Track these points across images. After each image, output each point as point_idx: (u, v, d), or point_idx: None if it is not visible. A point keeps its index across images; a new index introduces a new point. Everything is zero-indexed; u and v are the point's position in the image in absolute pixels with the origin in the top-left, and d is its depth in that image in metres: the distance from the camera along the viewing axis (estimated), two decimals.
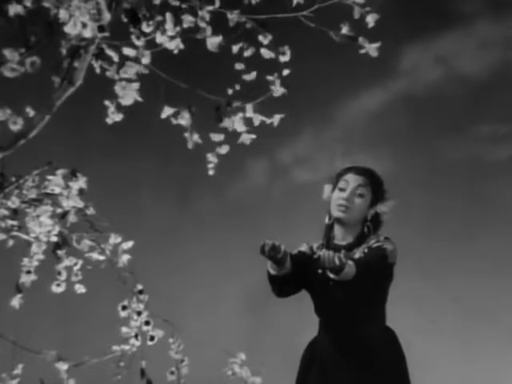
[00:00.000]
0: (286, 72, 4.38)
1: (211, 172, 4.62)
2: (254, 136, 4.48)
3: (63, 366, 4.86)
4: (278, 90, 4.38)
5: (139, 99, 4.38)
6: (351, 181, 3.41)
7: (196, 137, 4.54)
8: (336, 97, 6.81)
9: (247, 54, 4.38)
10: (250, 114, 4.45)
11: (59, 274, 4.80)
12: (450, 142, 7.01)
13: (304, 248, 3.51)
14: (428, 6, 6.68)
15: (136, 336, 4.80)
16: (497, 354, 6.36)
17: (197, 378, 5.05)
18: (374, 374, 3.20)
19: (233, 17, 4.32)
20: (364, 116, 7.05)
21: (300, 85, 4.45)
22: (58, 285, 4.80)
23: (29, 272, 4.79)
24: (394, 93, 7.07)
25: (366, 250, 3.34)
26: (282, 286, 3.36)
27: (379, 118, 6.97)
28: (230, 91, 4.43)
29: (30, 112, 4.38)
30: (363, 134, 6.90)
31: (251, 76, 4.39)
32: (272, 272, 3.31)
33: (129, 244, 4.85)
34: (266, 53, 4.37)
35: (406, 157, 6.87)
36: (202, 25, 4.29)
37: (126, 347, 4.83)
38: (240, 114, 4.49)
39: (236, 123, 4.48)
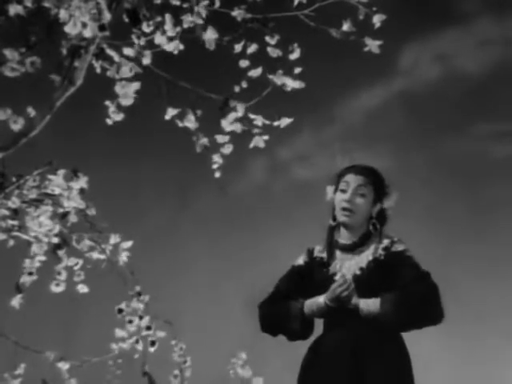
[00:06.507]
0: (297, 70, 4.38)
1: (217, 174, 4.60)
2: (266, 137, 4.46)
3: (65, 366, 4.86)
4: (289, 85, 4.37)
5: (137, 97, 4.38)
6: (351, 181, 3.40)
7: (204, 140, 4.53)
8: (336, 95, 6.82)
9: (251, 50, 4.37)
10: (241, 113, 4.45)
11: (59, 274, 4.79)
12: (449, 140, 7.01)
13: (301, 260, 3.49)
14: (427, 5, 6.68)
15: (137, 341, 4.80)
16: (498, 354, 6.36)
17: (199, 379, 5.05)
18: (378, 374, 3.19)
19: (239, 13, 4.31)
20: (364, 114, 7.06)
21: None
22: (57, 284, 4.80)
23: (30, 273, 4.79)
24: (393, 91, 7.08)
25: (381, 252, 3.33)
26: (311, 324, 3.38)
27: (379, 116, 6.98)
28: (237, 89, 4.42)
29: (32, 112, 4.38)
30: (363, 131, 6.91)
31: (257, 72, 4.38)
32: (319, 306, 3.29)
33: (128, 243, 4.85)
34: (272, 51, 4.37)
35: (406, 155, 6.88)
36: (199, 21, 4.28)
37: (124, 345, 4.83)
38: (234, 115, 4.48)
39: (230, 126, 4.48)
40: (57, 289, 4.79)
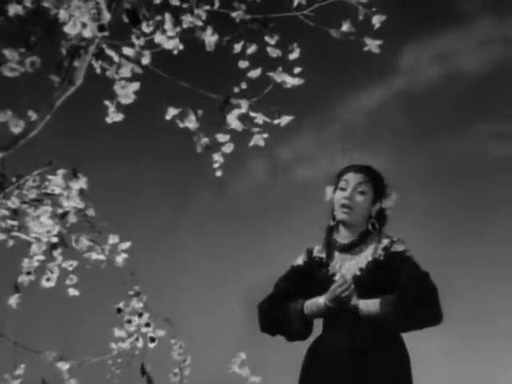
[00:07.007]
0: (296, 70, 4.38)
1: (218, 173, 4.60)
2: (266, 135, 4.46)
3: (64, 366, 4.86)
4: (288, 83, 4.37)
5: (137, 97, 4.38)
6: (351, 179, 3.39)
7: (205, 140, 4.53)
8: (336, 95, 6.82)
9: (250, 51, 4.37)
10: (244, 109, 4.44)
11: (51, 272, 4.79)
12: (449, 140, 7.02)
13: (301, 260, 3.48)
14: (427, 5, 6.68)
15: (137, 339, 4.80)
16: (497, 355, 6.36)
17: (198, 378, 5.06)
18: (378, 374, 3.18)
19: (237, 14, 4.31)
20: (364, 114, 7.06)
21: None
22: (48, 279, 4.80)
23: (29, 273, 4.79)
24: (393, 91, 7.08)
25: (381, 252, 3.32)
26: (310, 325, 3.37)
27: (379, 116, 6.98)
28: (236, 90, 4.42)
29: (33, 116, 4.37)
30: (363, 131, 6.91)
31: (256, 73, 4.38)
32: (320, 306, 3.29)
33: (127, 244, 4.85)
34: (272, 51, 4.37)
35: (406, 155, 6.88)
36: (198, 23, 4.28)
37: (123, 345, 4.83)
38: (238, 111, 4.48)
39: (235, 121, 4.47)
40: (47, 284, 4.79)
